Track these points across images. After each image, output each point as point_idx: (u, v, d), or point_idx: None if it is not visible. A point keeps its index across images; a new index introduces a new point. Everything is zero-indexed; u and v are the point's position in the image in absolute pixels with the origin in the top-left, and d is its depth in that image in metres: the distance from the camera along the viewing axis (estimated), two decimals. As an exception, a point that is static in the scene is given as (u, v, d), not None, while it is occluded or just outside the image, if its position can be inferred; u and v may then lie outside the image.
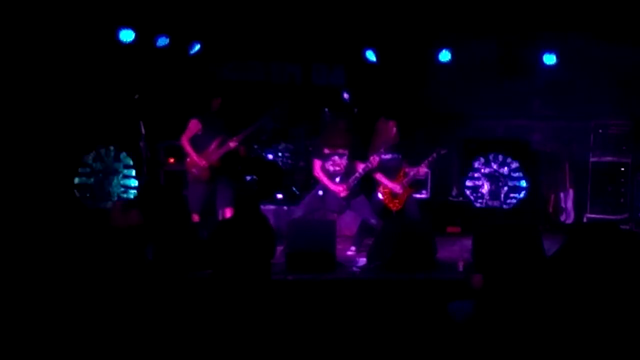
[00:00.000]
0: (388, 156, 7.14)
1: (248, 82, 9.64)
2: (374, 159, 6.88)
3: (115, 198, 8.70)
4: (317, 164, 7.03)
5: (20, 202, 7.77)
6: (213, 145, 6.91)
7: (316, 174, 7.04)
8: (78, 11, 8.00)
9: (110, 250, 4.56)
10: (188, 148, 6.91)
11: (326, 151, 7.03)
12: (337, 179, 6.98)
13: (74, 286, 4.67)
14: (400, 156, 7.23)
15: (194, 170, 6.93)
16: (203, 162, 6.85)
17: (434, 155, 7.03)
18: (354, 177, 6.93)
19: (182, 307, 5.26)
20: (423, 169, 7.13)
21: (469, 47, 8.68)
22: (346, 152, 7.01)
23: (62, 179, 8.52)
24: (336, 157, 7.00)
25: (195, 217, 6.96)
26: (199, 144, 6.92)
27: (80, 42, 8.32)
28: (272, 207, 8.35)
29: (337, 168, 6.99)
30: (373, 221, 6.95)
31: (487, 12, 8.24)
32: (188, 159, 6.96)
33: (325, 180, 6.96)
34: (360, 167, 6.93)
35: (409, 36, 8.75)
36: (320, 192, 6.98)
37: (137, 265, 4.65)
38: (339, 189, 6.92)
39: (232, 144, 6.90)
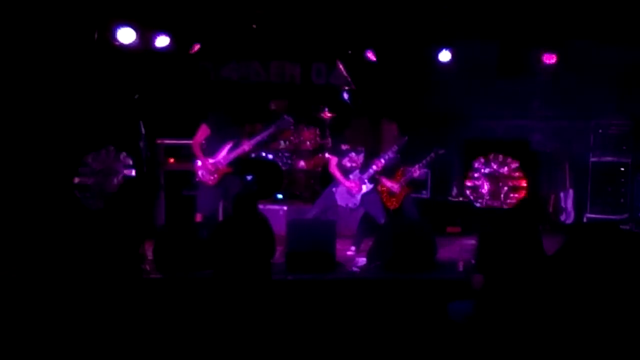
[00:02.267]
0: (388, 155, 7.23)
1: (248, 82, 9.64)
2: (385, 157, 6.98)
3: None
4: (333, 160, 7.13)
5: (20, 202, 7.77)
6: (223, 150, 6.93)
7: (331, 170, 7.14)
8: (78, 11, 7.99)
9: (108, 249, 4.56)
10: (197, 152, 6.94)
11: (344, 147, 7.14)
12: (351, 176, 7.06)
13: (73, 284, 4.67)
14: (398, 156, 7.29)
15: (201, 173, 6.96)
16: (211, 166, 6.88)
17: (432, 155, 7.13)
18: (367, 173, 7.00)
19: (183, 307, 5.27)
20: (421, 169, 7.23)
21: (469, 47, 8.67)
22: (363, 149, 7.12)
23: (62, 179, 8.51)
24: (353, 154, 7.12)
25: (198, 217, 6.98)
26: (209, 148, 6.95)
27: (81, 42, 8.31)
28: (272, 207, 8.35)
29: (354, 164, 7.11)
30: (382, 221, 6.97)
31: (487, 13, 8.23)
32: (196, 162, 6.99)
33: (339, 176, 7.05)
34: (374, 164, 7.00)
35: (409, 36, 8.75)
36: (334, 189, 7.05)
37: (133, 265, 4.65)
38: (352, 185, 6.99)
39: (243, 149, 6.94)
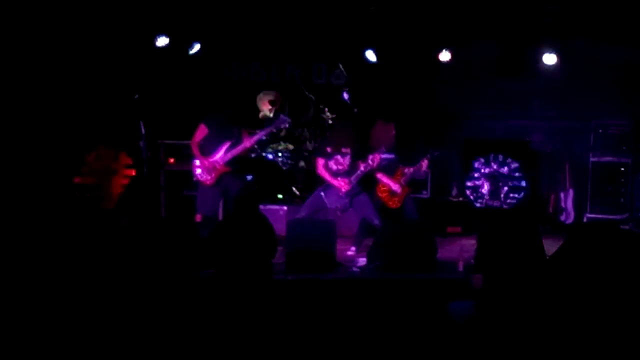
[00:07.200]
0: (386, 156, 7.25)
1: (248, 82, 9.65)
2: (375, 159, 6.95)
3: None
4: (320, 162, 7.10)
5: (21, 202, 7.78)
6: (221, 149, 6.93)
7: (319, 172, 7.10)
8: (78, 11, 8.00)
9: (110, 249, 4.57)
10: (195, 152, 6.95)
11: (329, 150, 7.08)
12: (339, 178, 7.03)
13: (74, 284, 4.68)
14: (397, 156, 7.32)
15: (198, 173, 6.96)
16: (209, 165, 6.88)
17: (428, 156, 7.17)
18: (355, 174, 6.98)
19: (184, 306, 5.27)
20: (421, 170, 7.23)
21: (469, 47, 8.68)
22: (349, 151, 7.06)
23: (62, 179, 8.52)
24: (339, 156, 7.07)
25: (198, 217, 6.98)
26: (207, 147, 6.95)
27: (80, 42, 8.32)
28: (272, 207, 8.34)
29: (340, 167, 7.06)
30: (376, 221, 6.97)
31: (488, 13, 8.24)
32: (194, 162, 6.99)
33: (327, 176, 7.02)
34: (362, 166, 6.97)
35: (409, 36, 8.75)
36: (322, 193, 7.02)
37: (134, 264, 4.65)
38: (342, 184, 6.97)
39: (245, 145, 6.94)
